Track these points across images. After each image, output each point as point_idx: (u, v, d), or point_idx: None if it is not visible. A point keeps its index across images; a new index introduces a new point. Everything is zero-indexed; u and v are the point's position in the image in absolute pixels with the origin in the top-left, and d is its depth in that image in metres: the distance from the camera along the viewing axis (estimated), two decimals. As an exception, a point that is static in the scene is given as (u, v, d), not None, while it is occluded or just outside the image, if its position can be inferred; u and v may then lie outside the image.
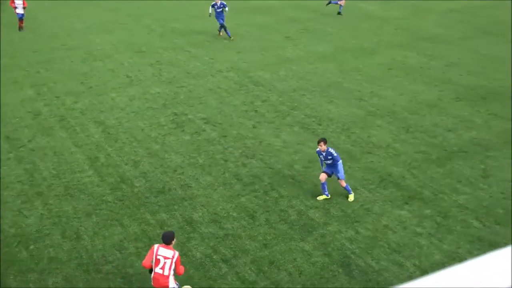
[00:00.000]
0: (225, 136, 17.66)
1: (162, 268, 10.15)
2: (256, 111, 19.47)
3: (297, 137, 17.71)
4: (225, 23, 25.78)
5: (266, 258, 12.37)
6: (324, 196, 14.61)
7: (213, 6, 24.96)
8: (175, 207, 14.12)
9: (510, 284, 1.20)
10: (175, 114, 19.16)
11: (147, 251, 12.55)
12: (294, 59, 24.35)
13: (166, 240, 10.32)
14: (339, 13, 31.48)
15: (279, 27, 28.73)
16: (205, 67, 23.29)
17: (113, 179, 15.26)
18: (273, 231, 13.24)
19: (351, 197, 14.62)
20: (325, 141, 14.46)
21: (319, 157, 14.74)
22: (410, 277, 11.76)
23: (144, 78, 22.12)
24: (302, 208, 14.10)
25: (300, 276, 11.82)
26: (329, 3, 31.48)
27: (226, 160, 16.27)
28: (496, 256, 1.23)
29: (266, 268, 12.07)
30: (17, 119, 18.57)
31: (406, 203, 14.31)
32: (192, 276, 11.82)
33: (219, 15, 25.15)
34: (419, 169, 15.93)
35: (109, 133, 17.77)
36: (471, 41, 27.05)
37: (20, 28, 27.51)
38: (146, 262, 10.40)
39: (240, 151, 16.79)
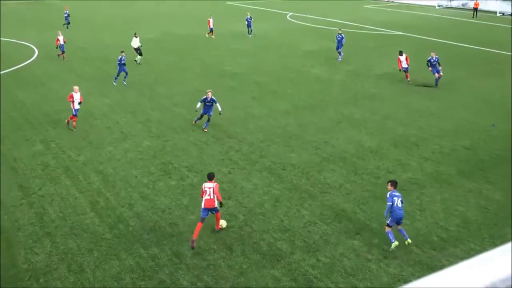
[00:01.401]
0: (206, 181, 17.47)
1: (209, 195, 13.80)
2: (230, 159, 19.40)
3: (265, 180, 17.65)
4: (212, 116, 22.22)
5: (242, 284, 12.16)
6: (396, 243, 13.13)
7: (203, 100, 21.74)
8: (165, 242, 13.85)
9: None
10: (163, 163, 18.96)
11: (141, 281, 12.25)
12: (260, 116, 24.45)
13: (209, 177, 14.34)
14: (436, 85, 29.61)
15: (246, 89, 28.93)
16: (187, 124, 23.21)
17: (111, 220, 14.94)
18: (248, 260, 13.06)
19: (409, 240, 13.25)
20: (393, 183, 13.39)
21: (391, 203, 13.07)
22: (364, 297, 11.64)
23: (136, 133, 21.93)
24: (271, 240, 13.96)
25: (272, 299, 11.61)
26: (424, 85, 29.55)
27: (206, 201, 16.06)
28: (434, 278, 1.31)
29: (243, 293, 11.84)
30: (28, 170, 18.15)
31: (358, 234, 14.28)
32: (180, 301, 11.52)
33: (208, 108, 21.83)
34: (367, 205, 15.97)
35: (107, 181, 17.46)
36: (403, 98, 27.58)
37: (73, 127, 22.10)
38: (201, 195, 14.03)
39: (218, 193, 16.63)
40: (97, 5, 69.11)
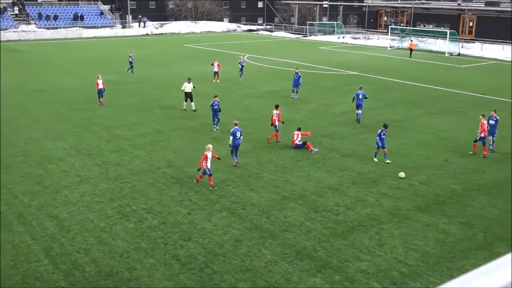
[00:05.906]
0: (164, 223, 17.19)
1: (276, 116, 26.06)
2: (190, 200, 19.17)
3: (225, 221, 17.47)
4: None
5: (203, 328, 11.82)
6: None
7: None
8: (122, 287, 13.41)
9: None
10: (121, 206, 18.57)
11: (97, 329, 11.75)
12: (220, 156, 24.31)
13: (276, 107, 23.88)
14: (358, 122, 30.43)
15: (206, 130, 28.86)
16: (146, 165, 22.93)
17: (66, 266, 14.42)
18: (209, 303, 12.74)
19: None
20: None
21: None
22: (327, 336, 11.47)
23: (93, 176, 21.49)
24: (233, 281, 13.73)
25: None
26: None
27: (166, 244, 15.76)
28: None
29: (204, 337, 11.51)
30: (-22, 217, 17.45)
31: (319, 272, 14.20)
32: None
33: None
34: (327, 242, 15.95)
35: (62, 226, 16.94)
36: (361, 135, 28.05)
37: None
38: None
39: (178, 235, 16.35)
40: (62, 48, 68.62)
